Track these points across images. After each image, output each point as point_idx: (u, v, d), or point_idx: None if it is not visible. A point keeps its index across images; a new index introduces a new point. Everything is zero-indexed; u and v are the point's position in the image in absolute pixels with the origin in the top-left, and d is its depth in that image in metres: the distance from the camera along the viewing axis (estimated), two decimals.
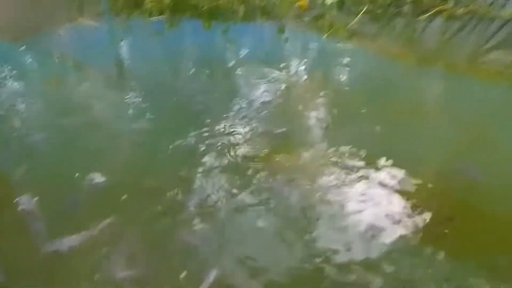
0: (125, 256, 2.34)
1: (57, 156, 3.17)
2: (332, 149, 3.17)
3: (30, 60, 4.71)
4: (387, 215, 2.61)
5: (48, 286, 2.22)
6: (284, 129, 3.44)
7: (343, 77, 4.38)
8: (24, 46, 4.88)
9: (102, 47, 5.23)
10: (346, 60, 4.66)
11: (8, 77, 4.26)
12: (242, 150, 3.19)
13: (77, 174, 2.89)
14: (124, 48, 5.16)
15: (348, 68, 4.50)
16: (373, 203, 2.71)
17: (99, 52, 5.00)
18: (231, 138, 3.32)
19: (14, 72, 4.32)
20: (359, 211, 2.66)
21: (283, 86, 4.12)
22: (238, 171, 2.97)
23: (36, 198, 2.68)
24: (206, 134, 3.35)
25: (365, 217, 2.62)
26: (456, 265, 2.26)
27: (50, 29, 5.60)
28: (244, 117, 3.60)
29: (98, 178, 2.88)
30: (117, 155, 3.21)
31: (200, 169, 2.98)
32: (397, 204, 2.70)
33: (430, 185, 2.80)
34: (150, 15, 5.75)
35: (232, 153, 3.15)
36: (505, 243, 2.41)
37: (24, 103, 3.83)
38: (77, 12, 6.04)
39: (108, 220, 2.54)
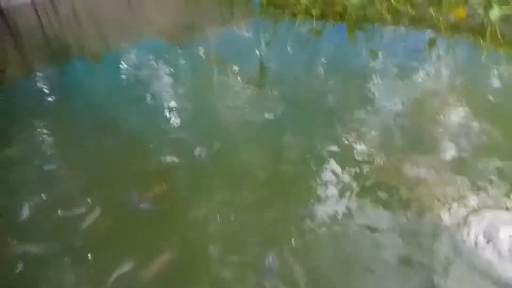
0: None
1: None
2: (467, 175, 2.92)
3: (182, 58, 5.20)
4: None
5: None
6: (412, 142, 3.33)
7: (497, 98, 3.93)
8: (179, 47, 5.42)
9: (249, 49, 5.53)
10: (504, 80, 4.17)
11: (162, 73, 4.75)
12: (367, 158, 3.17)
13: None
14: (268, 51, 5.39)
15: (505, 90, 4.02)
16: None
17: (245, 54, 5.30)
18: (358, 144, 3.32)
19: (168, 69, 4.80)
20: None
21: (423, 99, 3.89)
22: (359, 179, 2.97)
23: None
24: (334, 136, 3.42)
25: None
26: None
27: (202, 31, 6.12)
28: (375, 125, 3.56)
29: None
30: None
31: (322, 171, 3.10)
32: None
33: None
34: (296, 19, 5.89)
35: (357, 160, 3.14)
36: None
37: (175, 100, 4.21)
38: (228, 15, 6.48)
39: None
